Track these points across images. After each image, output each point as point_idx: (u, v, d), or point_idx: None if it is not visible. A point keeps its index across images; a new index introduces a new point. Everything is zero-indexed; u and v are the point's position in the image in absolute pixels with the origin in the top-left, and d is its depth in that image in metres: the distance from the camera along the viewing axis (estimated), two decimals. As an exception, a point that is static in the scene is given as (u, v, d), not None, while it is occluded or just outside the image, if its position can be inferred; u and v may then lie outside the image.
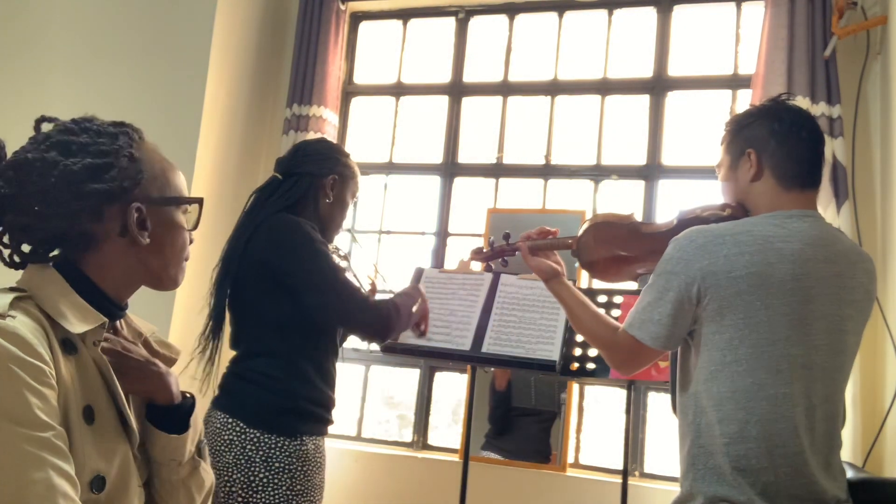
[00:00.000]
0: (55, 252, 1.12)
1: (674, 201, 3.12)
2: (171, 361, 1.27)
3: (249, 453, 1.75)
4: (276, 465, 1.76)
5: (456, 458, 3.04)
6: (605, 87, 3.29)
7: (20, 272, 1.11)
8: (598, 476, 2.90)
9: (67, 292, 1.06)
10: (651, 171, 3.12)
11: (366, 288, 2.16)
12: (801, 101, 2.65)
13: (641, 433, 2.93)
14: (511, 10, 3.47)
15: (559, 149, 3.31)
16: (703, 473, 1.43)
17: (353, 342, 2.31)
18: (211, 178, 3.17)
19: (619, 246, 1.67)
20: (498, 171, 3.38)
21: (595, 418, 3.09)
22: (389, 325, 1.88)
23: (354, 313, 1.83)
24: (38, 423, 0.93)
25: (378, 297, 2.04)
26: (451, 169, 3.43)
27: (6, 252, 1.10)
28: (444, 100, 3.51)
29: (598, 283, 2.49)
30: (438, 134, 3.48)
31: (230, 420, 1.78)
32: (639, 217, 1.73)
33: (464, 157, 3.45)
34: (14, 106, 3.27)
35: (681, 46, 3.21)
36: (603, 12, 3.34)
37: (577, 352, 2.31)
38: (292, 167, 1.98)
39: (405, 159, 3.53)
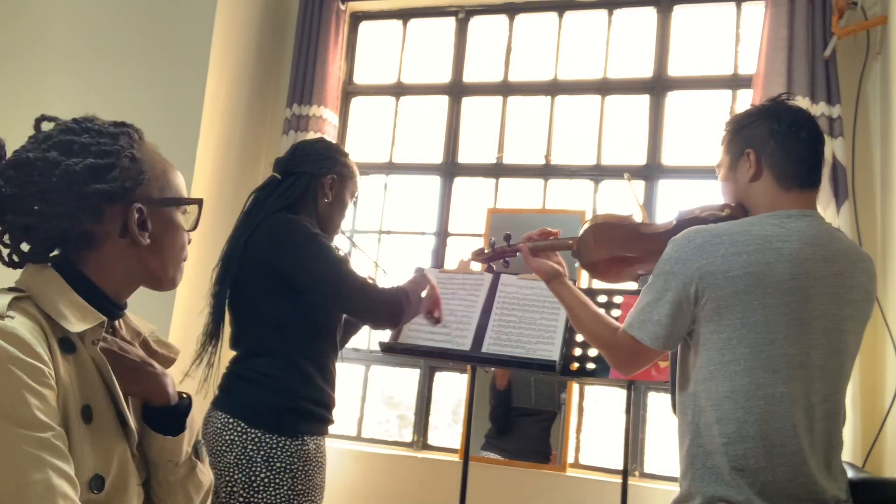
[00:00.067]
0: (55, 252, 1.12)
1: (674, 201, 3.12)
2: (169, 361, 1.27)
3: (250, 453, 1.75)
4: (278, 464, 1.76)
5: (456, 458, 3.04)
6: (605, 87, 3.29)
7: (19, 272, 1.10)
8: (598, 476, 2.90)
9: (66, 292, 1.06)
10: (651, 171, 3.12)
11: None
12: (801, 101, 2.65)
13: (641, 433, 2.93)
14: (511, 10, 3.47)
15: (559, 149, 3.31)
16: (701, 473, 1.43)
17: (353, 342, 2.31)
18: (211, 178, 3.17)
19: (619, 247, 1.67)
20: (498, 171, 3.38)
21: (595, 418, 3.09)
22: (400, 309, 1.88)
23: (365, 301, 1.84)
24: (37, 423, 0.93)
25: None
26: (451, 169, 3.43)
27: (5, 252, 1.10)
28: (444, 100, 3.51)
29: (598, 284, 2.49)
30: (438, 134, 3.48)
31: (231, 420, 1.78)
32: (638, 218, 1.73)
33: (464, 157, 3.45)
34: (14, 105, 3.27)
35: (681, 46, 3.21)
36: (603, 12, 3.34)
37: (577, 352, 2.31)
38: (291, 167, 1.98)
39: (405, 159, 3.53)
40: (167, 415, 1.15)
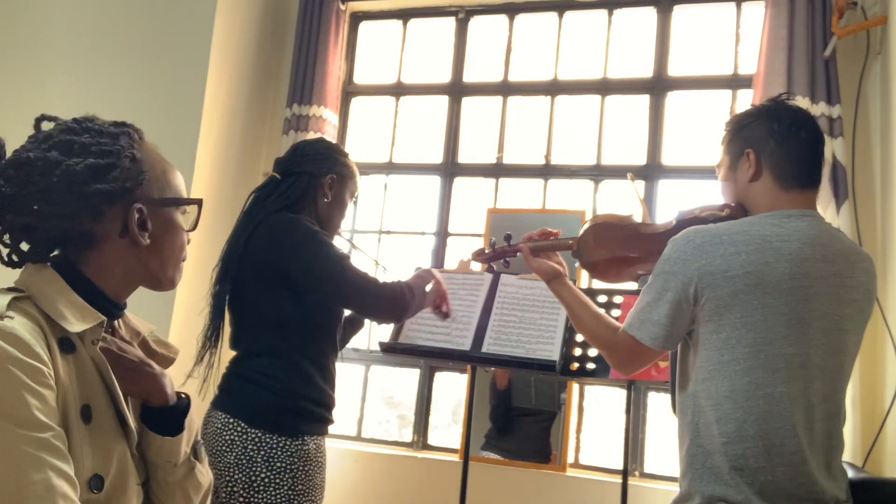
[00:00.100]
0: (55, 252, 1.12)
1: (674, 201, 3.12)
2: (169, 361, 1.27)
3: (251, 453, 1.75)
4: (278, 464, 1.76)
5: (456, 458, 3.04)
6: (605, 87, 3.29)
7: (18, 272, 1.10)
8: (598, 476, 2.90)
9: (66, 291, 1.06)
10: (651, 171, 3.12)
11: None
12: (801, 101, 2.65)
13: (641, 433, 2.93)
14: (511, 10, 3.47)
15: (559, 149, 3.31)
16: (701, 473, 1.43)
17: (353, 342, 2.31)
18: (211, 178, 3.17)
19: (619, 247, 1.67)
20: (498, 171, 3.38)
21: (595, 418, 3.09)
22: (404, 303, 1.89)
23: (368, 297, 1.84)
24: (36, 424, 0.93)
25: None
26: (451, 169, 3.43)
27: (4, 251, 1.10)
28: (444, 100, 3.51)
29: (598, 284, 2.49)
30: (438, 134, 3.48)
31: (231, 420, 1.78)
32: (639, 218, 1.73)
33: (464, 157, 3.45)
34: (14, 105, 3.27)
35: (681, 46, 3.21)
36: (603, 12, 3.34)
37: (577, 352, 2.31)
38: (291, 167, 1.98)
39: (405, 159, 3.53)
40: (165, 415, 1.15)
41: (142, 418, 1.16)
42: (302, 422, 1.82)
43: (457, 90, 3.49)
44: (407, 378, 3.36)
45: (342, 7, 3.43)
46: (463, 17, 3.52)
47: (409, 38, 3.62)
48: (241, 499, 1.74)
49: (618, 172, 3.20)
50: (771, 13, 2.83)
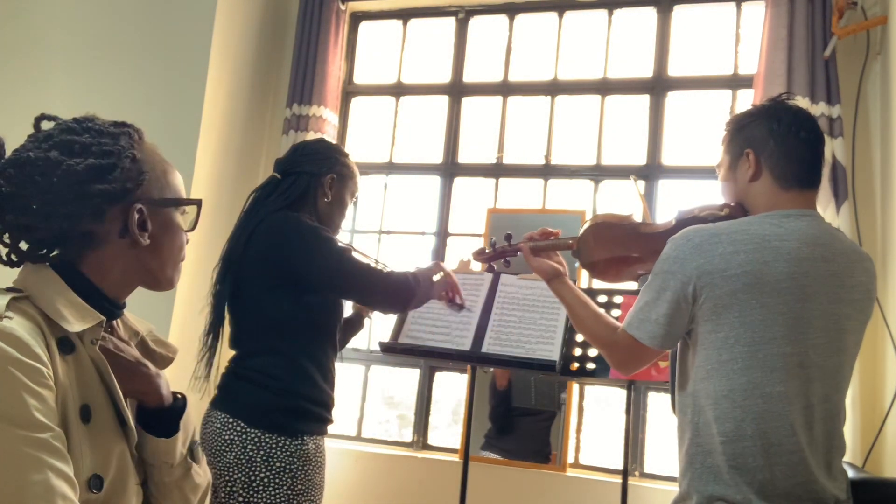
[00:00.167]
0: (55, 252, 1.12)
1: (674, 201, 3.12)
2: (168, 360, 1.27)
3: (250, 453, 1.75)
4: (277, 464, 1.76)
5: (456, 458, 3.04)
6: (605, 87, 3.29)
7: (17, 271, 1.10)
8: (598, 476, 2.90)
9: (65, 291, 1.06)
10: (651, 171, 3.12)
11: None
12: (801, 101, 2.65)
13: (641, 433, 2.93)
14: (511, 10, 3.47)
15: (559, 149, 3.31)
16: (700, 472, 1.43)
17: (353, 342, 2.31)
18: (210, 177, 3.17)
19: (619, 246, 1.67)
20: (498, 171, 3.38)
21: (595, 418, 3.09)
22: (409, 291, 1.89)
23: (374, 287, 1.86)
24: (36, 424, 0.93)
25: None
26: (451, 169, 3.43)
27: (3, 251, 1.09)
28: (444, 100, 3.51)
29: (598, 284, 2.49)
30: (438, 134, 3.48)
31: (230, 420, 1.78)
32: (638, 218, 1.73)
33: (464, 157, 3.45)
34: (14, 105, 3.28)
35: (681, 46, 3.21)
36: (603, 12, 3.34)
37: (577, 352, 2.31)
38: (291, 166, 1.99)
39: (405, 159, 3.53)
40: (161, 416, 1.15)
41: (137, 419, 1.15)
42: (301, 422, 1.82)
43: (457, 90, 3.49)
44: (407, 378, 3.36)
45: (342, 7, 3.43)
46: (463, 17, 3.52)
47: (409, 38, 3.62)
48: (241, 498, 1.74)
49: (618, 172, 3.20)
50: (771, 13, 2.83)
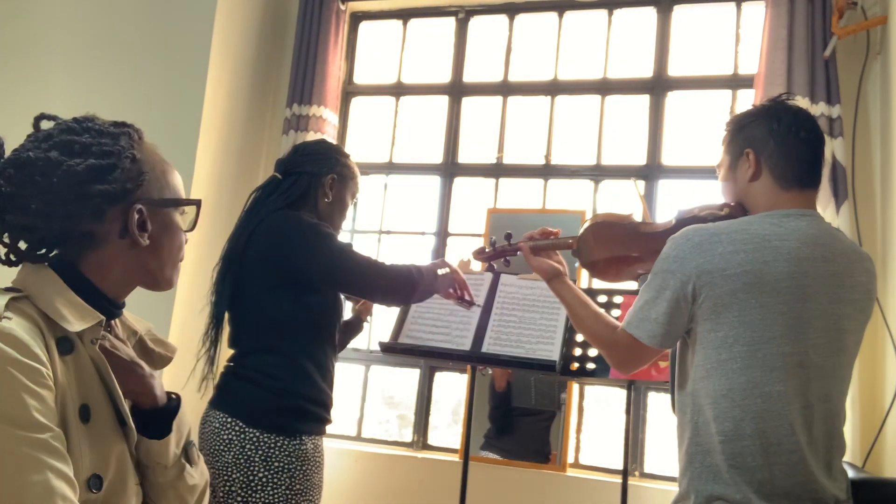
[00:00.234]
0: (54, 252, 1.12)
1: (674, 201, 3.12)
2: (166, 360, 1.26)
3: (248, 453, 1.75)
4: (276, 464, 1.76)
5: (456, 458, 3.04)
6: (605, 87, 3.29)
7: (16, 270, 1.10)
8: (598, 476, 2.90)
9: (64, 291, 1.06)
10: (651, 171, 3.12)
11: None
12: (801, 101, 2.65)
13: (641, 433, 2.93)
14: (511, 10, 3.47)
15: (559, 149, 3.31)
16: (700, 471, 1.43)
17: (353, 342, 2.31)
18: (210, 177, 3.17)
19: (619, 246, 1.67)
20: (498, 171, 3.38)
21: (595, 418, 3.09)
22: (412, 283, 1.89)
23: (377, 280, 1.86)
24: (35, 425, 0.93)
25: None
26: (451, 169, 3.43)
27: (2, 251, 1.09)
28: (444, 100, 3.51)
29: (598, 283, 2.49)
30: (438, 134, 3.48)
31: (229, 420, 1.77)
32: (638, 218, 1.73)
33: (464, 157, 3.45)
34: (14, 105, 3.28)
35: (681, 46, 3.21)
36: (603, 12, 3.34)
37: (577, 352, 2.31)
38: (292, 167, 1.99)
39: (405, 159, 3.53)
40: (154, 417, 1.14)
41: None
42: (300, 422, 1.82)
43: (457, 90, 3.49)
44: (407, 378, 3.36)
45: (342, 7, 3.43)
46: (463, 17, 3.52)
47: (409, 38, 3.62)
48: (240, 498, 1.74)
49: (618, 172, 3.20)
50: (771, 13, 2.83)
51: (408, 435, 3.25)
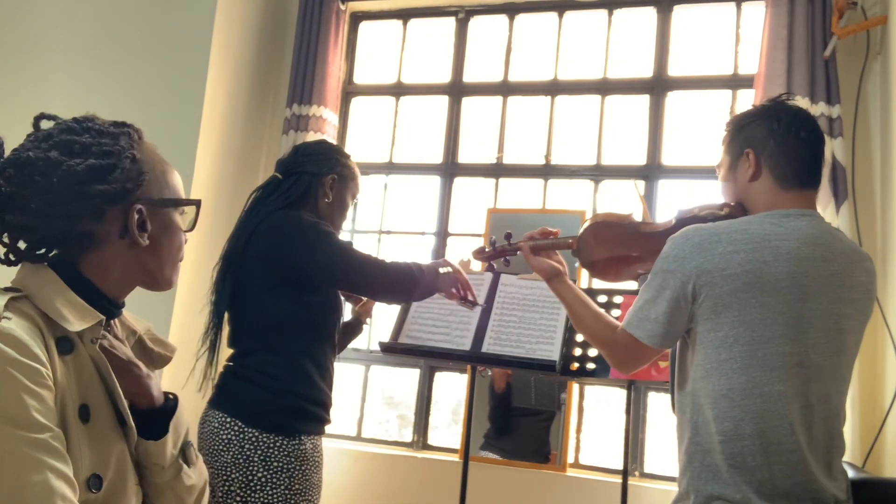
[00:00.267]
0: (54, 252, 1.12)
1: (674, 201, 3.12)
2: (166, 359, 1.26)
3: (248, 453, 1.75)
4: (275, 464, 1.76)
5: (456, 458, 3.04)
6: (605, 87, 3.29)
7: (15, 271, 1.10)
8: (598, 476, 2.90)
9: (64, 291, 1.06)
10: (651, 171, 3.12)
11: None
12: (801, 101, 2.65)
13: (641, 433, 2.93)
14: (511, 10, 3.47)
15: (559, 149, 3.31)
16: (699, 471, 1.43)
17: (353, 342, 2.31)
18: (210, 177, 3.17)
19: (619, 246, 1.67)
20: (498, 171, 3.38)
21: (595, 418, 3.09)
22: (412, 280, 1.89)
23: (377, 277, 1.86)
24: (35, 425, 0.93)
25: None
26: (451, 169, 3.43)
27: (1, 250, 1.09)
28: (444, 100, 3.51)
29: (598, 283, 2.49)
30: (438, 134, 3.48)
31: (228, 419, 1.77)
32: (638, 218, 1.73)
33: (464, 157, 3.45)
34: (14, 105, 3.27)
35: (681, 46, 3.21)
36: (603, 12, 3.34)
37: (577, 352, 2.31)
38: (292, 167, 1.99)
39: (405, 159, 3.54)
40: (150, 417, 1.14)
41: None
42: (299, 421, 1.82)
43: (457, 90, 3.49)
44: (407, 378, 3.36)
45: (342, 7, 3.43)
46: (463, 17, 3.52)
47: (409, 38, 3.62)
48: (238, 498, 1.74)
49: (618, 172, 3.20)
50: (771, 13, 2.83)
51: (408, 435, 3.25)
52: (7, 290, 1.05)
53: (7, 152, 1.08)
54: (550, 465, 2.91)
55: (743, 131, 1.56)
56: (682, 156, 3.14)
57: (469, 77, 3.49)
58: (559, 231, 1.84)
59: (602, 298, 2.36)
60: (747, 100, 2.97)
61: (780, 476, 1.37)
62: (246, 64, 3.39)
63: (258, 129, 3.51)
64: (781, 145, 1.50)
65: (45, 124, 1.13)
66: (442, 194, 3.41)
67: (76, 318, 1.03)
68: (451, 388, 3.33)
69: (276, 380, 1.80)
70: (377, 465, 3.07)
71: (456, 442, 3.13)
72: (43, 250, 1.10)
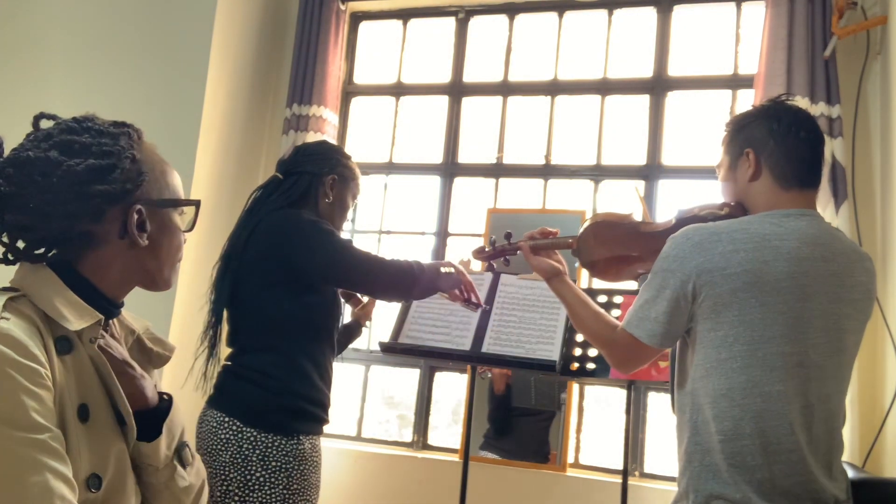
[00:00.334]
0: (53, 251, 1.11)
1: (674, 201, 3.12)
2: (164, 358, 1.26)
3: (246, 452, 1.75)
4: (273, 464, 1.76)
5: (456, 458, 3.04)
6: (605, 87, 3.29)
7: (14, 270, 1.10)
8: (598, 476, 2.89)
9: (63, 290, 1.05)
10: (651, 171, 3.12)
11: None
12: (801, 101, 2.65)
13: (641, 433, 2.93)
14: (511, 10, 3.47)
15: (559, 149, 3.31)
16: (699, 471, 1.43)
17: (353, 343, 2.31)
18: (210, 177, 3.17)
19: (619, 245, 1.67)
20: (498, 171, 3.38)
21: (595, 418, 3.09)
22: (412, 278, 1.89)
23: (377, 275, 1.85)
24: (33, 425, 0.93)
25: None
26: (451, 169, 3.43)
27: (0, 250, 1.09)
28: (444, 100, 3.51)
29: (598, 283, 2.49)
30: (438, 134, 3.48)
31: (227, 419, 1.77)
32: (638, 218, 1.73)
33: (464, 157, 3.45)
34: (14, 105, 3.27)
35: (681, 46, 3.21)
36: (603, 12, 3.34)
37: (577, 352, 2.31)
38: (293, 167, 1.99)
39: (405, 159, 3.54)
40: (144, 418, 1.13)
41: None
42: (298, 421, 1.82)
43: (457, 90, 3.49)
44: (407, 378, 3.36)
45: (342, 7, 3.43)
46: (463, 17, 3.52)
47: (409, 38, 3.62)
48: (237, 498, 1.74)
49: (618, 172, 3.20)
50: (771, 13, 2.83)
51: (408, 435, 3.25)
52: (5, 289, 1.05)
53: (7, 152, 1.08)
54: (550, 465, 2.91)
55: (743, 131, 1.56)
56: (682, 156, 3.14)
57: (469, 77, 3.49)
58: (559, 231, 1.84)
59: (602, 298, 2.36)
60: (747, 100, 2.97)
61: (780, 476, 1.37)
62: (246, 64, 3.39)
63: (258, 129, 3.51)
64: (781, 145, 1.50)
65: (45, 124, 1.13)
66: (442, 194, 3.41)
67: (75, 317, 1.03)
68: (451, 388, 3.33)
69: (274, 379, 1.80)
70: (377, 465, 3.07)
71: (456, 442, 3.13)
72: (42, 250, 1.10)
